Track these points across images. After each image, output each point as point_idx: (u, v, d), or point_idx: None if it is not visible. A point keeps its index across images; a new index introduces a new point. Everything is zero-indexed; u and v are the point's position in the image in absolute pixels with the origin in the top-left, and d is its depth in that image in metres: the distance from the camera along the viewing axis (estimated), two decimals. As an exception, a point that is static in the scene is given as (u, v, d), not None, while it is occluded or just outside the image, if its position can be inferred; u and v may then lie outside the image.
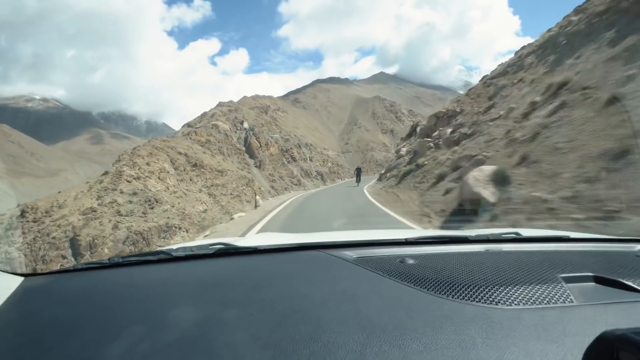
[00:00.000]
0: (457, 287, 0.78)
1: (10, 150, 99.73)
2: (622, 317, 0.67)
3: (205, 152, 32.06)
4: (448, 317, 0.67)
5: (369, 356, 0.56)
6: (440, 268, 0.91)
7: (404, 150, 22.11)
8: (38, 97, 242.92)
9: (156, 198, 20.75)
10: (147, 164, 24.23)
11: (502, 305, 0.71)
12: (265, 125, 49.39)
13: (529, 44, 15.92)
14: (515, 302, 0.72)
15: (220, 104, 49.23)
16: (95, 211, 18.74)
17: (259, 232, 7.10)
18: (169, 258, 1.14)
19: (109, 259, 1.14)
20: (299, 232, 1.87)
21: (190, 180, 26.14)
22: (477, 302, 0.72)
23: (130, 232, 17.94)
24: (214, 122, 40.18)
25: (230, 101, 52.62)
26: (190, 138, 34.07)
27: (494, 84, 14.88)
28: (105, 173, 22.95)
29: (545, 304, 0.71)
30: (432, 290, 0.78)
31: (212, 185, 26.92)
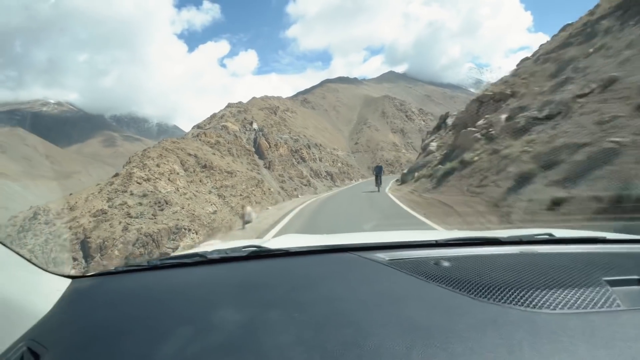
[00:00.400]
0: (497, 290, 0.76)
1: (25, 153, 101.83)
2: None
3: (214, 154, 32.05)
4: (492, 320, 0.65)
5: (415, 359, 0.56)
6: (476, 270, 0.89)
7: (433, 145, 19.00)
8: (52, 101, 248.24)
9: (166, 200, 20.70)
10: (157, 165, 24.25)
11: (545, 309, 0.69)
12: (275, 125, 49.28)
13: (591, 11, 13.84)
14: (560, 306, 0.69)
15: (229, 105, 49.35)
16: (105, 213, 18.75)
17: None
18: (204, 260, 1.16)
19: (147, 262, 1.18)
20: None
21: (200, 181, 26.10)
22: (519, 305, 0.70)
23: (140, 234, 17.88)
24: (223, 124, 40.21)
25: (240, 102, 52.70)
26: (199, 139, 34.12)
27: (553, 59, 12.26)
28: (116, 175, 23.04)
29: (591, 308, 0.69)
30: (472, 293, 0.76)
31: (221, 187, 26.85)
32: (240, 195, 26.79)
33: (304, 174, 40.38)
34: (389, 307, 0.74)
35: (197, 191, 24.59)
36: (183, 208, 21.51)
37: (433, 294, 0.79)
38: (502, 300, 0.72)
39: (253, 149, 40.05)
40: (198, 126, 41.11)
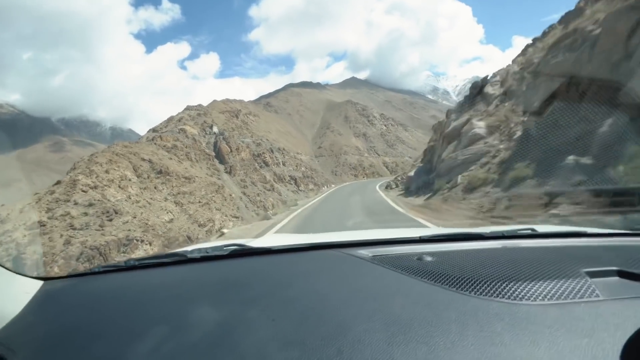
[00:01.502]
0: (478, 283, 0.77)
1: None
2: None
3: (171, 158, 30.39)
4: (472, 313, 0.66)
5: (396, 353, 0.56)
6: (458, 265, 0.90)
7: (480, 126, 11.29)
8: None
9: (115, 209, 19.09)
10: (106, 171, 22.42)
11: (526, 300, 0.70)
12: (236, 129, 47.92)
13: None
14: (540, 298, 0.71)
15: (188, 108, 47.35)
16: (44, 225, 16.89)
17: None
18: (184, 260, 1.15)
19: (125, 262, 1.16)
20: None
21: (155, 188, 24.48)
22: (500, 298, 0.72)
23: (85, 247, 16.26)
24: (181, 127, 38.39)
25: (199, 105, 50.77)
26: (155, 143, 32.23)
27: None
28: (58, 183, 20.97)
29: (571, 299, 0.71)
30: (453, 287, 0.77)
31: (178, 193, 25.36)
32: (199, 202, 25.46)
33: (267, 179, 39.43)
34: (371, 302, 0.74)
35: (151, 198, 22.98)
36: (135, 217, 19.93)
37: (415, 289, 0.79)
38: (484, 293, 0.73)
39: (213, 154, 38.55)
40: (154, 130, 38.95)
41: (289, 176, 45.22)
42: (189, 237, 21.03)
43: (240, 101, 73.06)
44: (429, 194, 12.03)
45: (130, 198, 21.17)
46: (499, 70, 14.27)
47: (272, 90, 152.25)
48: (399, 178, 23.54)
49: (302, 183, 45.73)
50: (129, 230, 18.25)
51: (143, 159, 26.66)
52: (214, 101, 59.78)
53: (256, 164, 41.52)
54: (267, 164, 43.41)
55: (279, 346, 0.60)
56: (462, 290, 0.76)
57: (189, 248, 1.38)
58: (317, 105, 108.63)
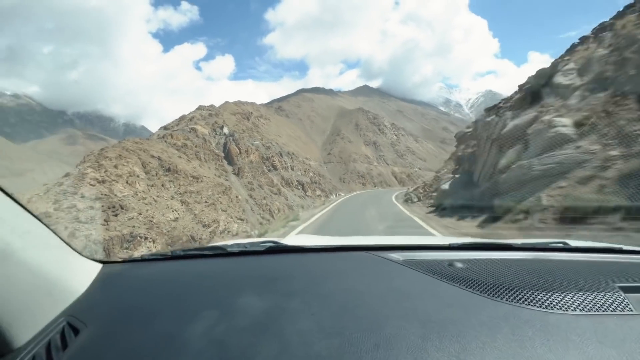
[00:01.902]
0: (510, 290, 0.78)
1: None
2: None
3: (180, 157, 30.48)
4: (504, 318, 0.68)
5: (430, 349, 0.59)
6: (490, 272, 0.91)
7: (565, 127, 7.95)
8: (9, 93, 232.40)
9: (122, 204, 19.09)
10: (115, 166, 22.51)
11: (557, 310, 0.71)
12: (247, 131, 48.04)
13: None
14: (572, 308, 0.71)
15: (200, 108, 47.66)
16: (49, 217, 16.92)
17: None
18: (224, 253, 1.21)
19: (171, 252, 1.25)
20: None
21: (162, 185, 24.51)
22: (532, 306, 0.72)
23: (89, 241, 16.24)
24: (192, 126, 38.59)
25: (211, 105, 51.10)
26: (165, 141, 32.40)
27: None
28: (67, 175, 21.10)
29: (603, 311, 0.71)
30: (485, 293, 0.78)
31: (185, 192, 25.36)
32: (206, 202, 25.41)
33: (274, 182, 39.33)
34: (405, 301, 0.76)
35: (158, 196, 22.98)
36: (141, 214, 19.90)
37: (447, 292, 0.80)
38: (515, 300, 0.74)
39: (222, 154, 38.63)
40: (165, 127, 39.24)
41: (297, 181, 45.07)
42: (192, 237, 20.92)
43: (252, 104, 73.45)
44: (482, 218, 8.79)
45: (137, 194, 21.19)
46: (567, 57, 11.07)
47: (284, 94, 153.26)
48: (420, 190, 20.94)
49: (310, 189, 45.53)
50: (134, 226, 18.21)
51: (152, 156, 26.76)
52: (226, 102, 60.15)
53: (264, 167, 41.50)
54: (275, 168, 43.35)
55: (321, 335, 0.64)
56: (493, 296, 0.77)
57: (229, 242, 1.43)
58: (328, 112, 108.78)
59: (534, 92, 11.15)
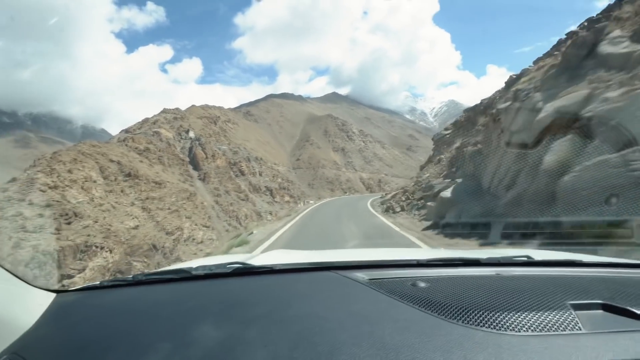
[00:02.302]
0: (467, 312, 0.80)
1: None
2: (630, 346, 0.68)
3: (142, 161, 29.17)
4: (458, 342, 0.69)
5: None
6: (451, 292, 0.93)
7: None
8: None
9: (76, 211, 17.87)
10: (69, 171, 21.12)
11: (510, 331, 0.73)
12: (213, 136, 46.96)
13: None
14: (524, 329, 0.73)
15: (164, 111, 46.05)
16: (-9, 226, 15.51)
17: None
18: (189, 276, 1.19)
19: (132, 277, 1.22)
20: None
21: (122, 191, 23.29)
22: (486, 327, 0.74)
23: (37, 251, 15.01)
24: (155, 129, 37.16)
25: (177, 109, 49.52)
26: (126, 144, 30.92)
27: None
28: (13, 180, 19.51)
29: (554, 331, 0.73)
30: (443, 315, 0.80)
31: (147, 198, 24.24)
32: (169, 208, 24.40)
33: (241, 188, 38.54)
34: (363, 326, 0.77)
35: (117, 202, 21.79)
36: (97, 222, 18.75)
37: (406, 315, 0.82)
38: (470, 322, 0.76)
39: (187, 159, 37.44)
40: (126, 130, 37.48)
41: (265, 187, 44.43)
42: (154, 246, 19.92)
43: (220, 108, 71.97)
44: (536, 242, 5.19)
45: (93, 201, 19.93)
46: (607, 23, 9.18)
47: (253, 99, 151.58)
48: (401, 197, 18.66)
49: (278, 194, 45.05)
50: (89, 235, 17.06)
51: (111, 160, 25.37)
52: (193, 106, 58.55)
53: (231, 173, 40.57)
54: (243, 173, 42.51)
55: None
56: (450, 318, 0.78)
57: (194, 264, 1.42)
58: (297, 117, 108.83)
59: (571, 66, 8.77)
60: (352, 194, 56.30)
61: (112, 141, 32.78)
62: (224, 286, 1.14)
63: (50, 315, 0.93)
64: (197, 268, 1.26)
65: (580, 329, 0.73)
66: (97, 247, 16.66)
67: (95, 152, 25.18)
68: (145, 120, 41.16)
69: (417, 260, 1.29)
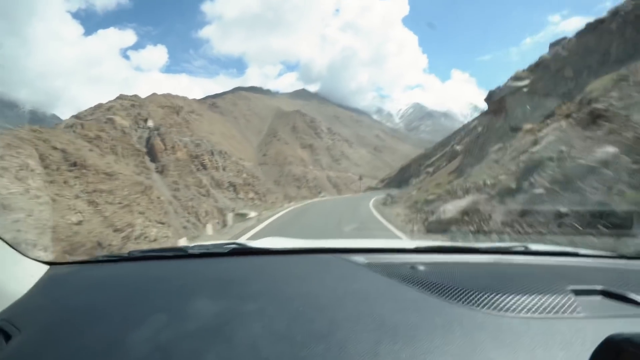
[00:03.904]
0: (466, 293, 0.80)
1: None
2: (628, 329, 0.71)
3: (92, 150, 26.74)
4: (458, 321, 0.70)
5: (381, 353, 0.60)
6: (449, 275, 0.93)
7: None
8: None
9: (5, 203, 15.68)
10: (1, 157, 18.67)
11: (510, 313, 0.73)
12: (175, 126, 44.48)
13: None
14: (524, 311, 0.74)
15: (121, 97, 43.00)
16: None
17: None
18: (185, 255, 1.19)
19: (128, 253, 1.22)
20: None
21: (65, 182, 21.02)
22: (486, 309, 0.75)
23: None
24: (110, 116, 34.44)
25: (135, 95, 46.47)
26: (74, 131, 28.26)
27: None
28: None
29: (554, 314, 0.74)
30: (442, 296, 0.80)
31: (94, 191, 22.08)
32: (120, 203, 22.38)
33: (203, 183, 36.66)
34: (362, 305, 0.77)
35: (57, 194, 19.53)
36: (31, 215, 16.52)
37: (406, 295, 0.82)
38: (470, 303, 0.76)
39: (145, 150, 35.05)
40: (77, 116, 34.46)
41: (229, 182, 42.61)
42: (99, 244, 18.00)
43: (184, 98, 68.74)
44: None
45: (28, 192, 17.70)
46: None
47: (220, 91, 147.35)
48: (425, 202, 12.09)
49: (242, 191, 43.44)
50: (19, 230, 15.00)
51: (55, 148, 22.90)
52: (154, 94, 55.55)
53: (193, 166, 38.40)
54: (205, 167, 40.41)
55: (271, 340, 0.64)
56: (450, 299, 0.78)
57: (191, 244, 1.36)
58: (265, 112, 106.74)
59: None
60: (332, 195, 55.05)
61: (58, 127, 29.90)
62: (221, 265, 1.11)
63: (43, 286, 0.93)
64: (193, 247, 1.24)
65: (580, 313, 0.73)
66: (28, 244, 14.66)
67: (35, 138, 22.63)
68: (99, 106, 38.09)
69: (415, 247, 1.27)
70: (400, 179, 46.19)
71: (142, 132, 37.50)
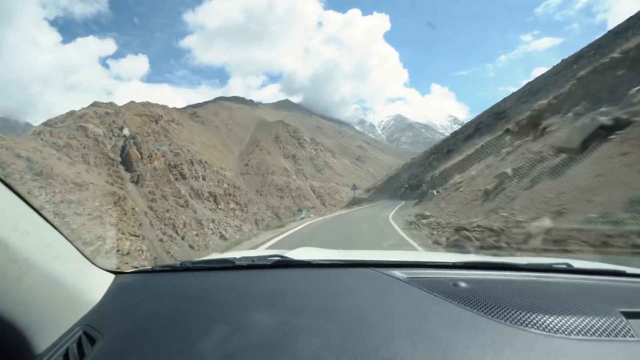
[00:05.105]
0: (513, 312, 0.78)
1: None
2: None
3: (61, 159, 25.26)
4: (508, 341, 0.69)
5: None
6: (493, 293, 0.91)
7: None
8: None
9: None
10: (-45, 166, 17.24)
11: (560, 334, 0.71)
12: (153, 135, 43.00)
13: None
14: (575, 333, 0.72)
15: (95, 104, 41.39)
16: None
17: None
18: (232, 266, 1.24)
19: (180, 263, 1.29)
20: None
21: (28, 192, 19.54)
22: (534, 329, 0.73)
23: None
24: (82, 124, 32.87)
25: (111, 103, 44.84)
26: (41, 138, 26.71)
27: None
28: None
29: (605, 337, 0.71)
30: (488, 314, 0.79)
31: (62, 202, 20.70)
32: (89, 214, 21.02)
33: (181, 193, 35.26)
34: (410, 321, 0.77)
35: (19, 206, 18.00)
36: (-14, 229, 15.03)
37: (452, 312, 0.81)
38: (518, 323, 0.74)
39: (119, 159, 33.56)
40: (46, 123, 32.75)
41: (209, 192, 41.22)
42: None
43: (164, 106, 67.05)
44: None
45: (-15, 203, 16.26)
46: None
47: (202, 101, 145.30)
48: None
49: (223, 201, 42.10)
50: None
51: (19, 156, 21.36)
52: (132, 102, 53.78)
53: (171, 175, 36.96)
54: (184, 177, 39.00)
55: (330, 353, 0.65)
56: (497, 317, 0.76)
57: (237, 255, 1.43)
58: (247, 122, 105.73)
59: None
60: (326, 206, 53.87)
61: (25, 134, 28.24)
62: (267, 277, 1.15)
63: (113, 293, 0.98)
64: (240, 259, 1.29)
65: (634, 336, 0.70)
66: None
67: (-3, 145, 21.14)
68: (72, 113, 36.37)
69: (454, 262, 1.25)
70: (388, 188, 45.82)
71: (117, 141, 35.86)
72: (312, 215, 20.88)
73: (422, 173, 35.22)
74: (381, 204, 27.29)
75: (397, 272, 1.09)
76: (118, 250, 20.64)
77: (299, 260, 1.29)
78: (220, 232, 34.78)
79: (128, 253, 20.91)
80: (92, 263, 1.02)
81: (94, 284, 0.97)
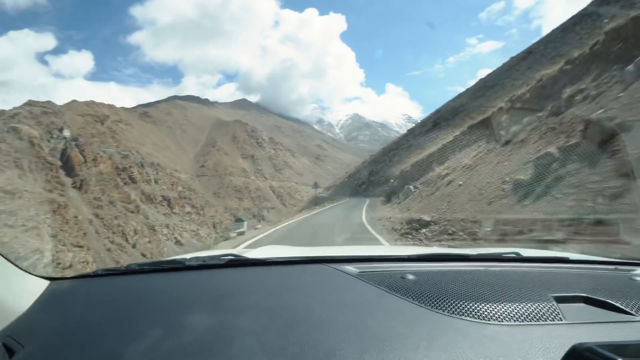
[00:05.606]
0: (453, 302, 0.82)
1: None
2: (606, 335, 0.71)
3: (-13, 164, 22.76)
4: (442, 330, 0.73)
5: None
6: (438, 285, 0.95)
7: None
8: None
9: None
10: None
11: (494, 321, 0.76)
12: (98, 136, 40.18)
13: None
14: (507, 319, 0.76)
15: (30, 103, 37.88)
16: None
17: None
18: (182, 267, 1.20)
19: (126, 266, 1.24)
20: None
21: (-54, 204, 17.46)
22: (470, 317, 0.77)
23: None
24: (13, 125, 29.89)
25: (49, 102, 41.23)
26: (-37, 142, 23.95)
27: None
28: None
29: (535, 321, 0.76)
30: (430, 306, 0.82)
31: (-11, 213, 18.64)
32: (23, 225, 19.11)
33: (131, 198, 33.20)
34: (352, 315, 0.79)
35: None
36: None
37: (395, 305, 0.85)
38: (455, 312, 0.79)
39: (59, 163, 30.94)
40: (-29, 125, 29.48)
41: (162, 196, 39.19)
42: None
43: (110, 106, 62.88)
44: None
45: None
46: None
47: (154, 100, 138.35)
48: None
49: (178, 205, 40.24)
50: None
51: None
52: (74, 101, 49.92)
53: (119, 180, 34.63)
54: (134, 181, 36.69)
55: (262, 353, 0.66)
56: (437, 308, 0.80)
57: (187, 256, 1.41)
58: (203, 122, 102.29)
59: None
60: (286, 206, 53.27)
61: (-57, 137, 25.25)
62: (217, 277, 1.13)
63: (44, 301, 0.94)
64: (190, 259, 1.26)
65: (561, 320, 0.76)
66: None
67: None
68: (1, 113, 32.94)
69: (408, 255, 1.29)
70: (349, 186, 46.32)
71: (56, 143, 32.91)
72: (259, 226, 16.22)
73: (384, 169, 36.26)
74: (345, 203, 26.77)
75: (350, 267, 1.11)
76: (59, 264, 18.98)
77: (252, 258, 1.27)
78: (175, 238, 33.25)
79: (70, 266, 19.30)
80: (22, 269, 0.96)
81: (22, 292, 0.91)
